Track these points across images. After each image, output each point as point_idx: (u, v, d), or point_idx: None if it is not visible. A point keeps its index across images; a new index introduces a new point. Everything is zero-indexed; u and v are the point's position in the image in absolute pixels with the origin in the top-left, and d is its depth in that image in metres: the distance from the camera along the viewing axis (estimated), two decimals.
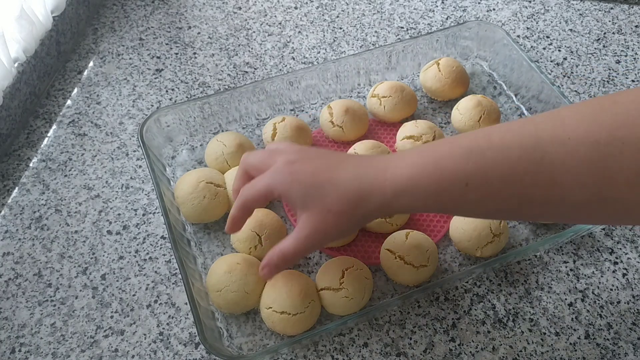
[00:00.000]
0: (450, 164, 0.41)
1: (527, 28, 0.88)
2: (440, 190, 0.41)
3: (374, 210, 0.44)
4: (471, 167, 0.39)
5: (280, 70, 0.82)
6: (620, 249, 0.62)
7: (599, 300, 0.58)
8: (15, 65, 0.72)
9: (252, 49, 0.85)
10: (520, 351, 0.55)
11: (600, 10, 0.90)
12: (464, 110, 0.70)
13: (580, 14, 0.90)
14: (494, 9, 0.91)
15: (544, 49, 0.85)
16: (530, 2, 0.92)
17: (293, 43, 0.86)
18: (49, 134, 0.74)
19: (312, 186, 0.44)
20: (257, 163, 0.49)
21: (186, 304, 0.58)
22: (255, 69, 0.82)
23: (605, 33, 0.86)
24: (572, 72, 0.81)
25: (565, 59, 0.83)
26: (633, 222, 0.49)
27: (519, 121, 0.41)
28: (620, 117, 0.35)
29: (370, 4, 0.92)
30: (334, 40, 0.87)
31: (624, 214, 0.38)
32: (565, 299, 0.58)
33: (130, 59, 0.84)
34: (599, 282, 0.59)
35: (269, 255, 0.49)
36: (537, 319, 0.57)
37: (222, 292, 0.54)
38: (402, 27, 0.88)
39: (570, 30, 0.87)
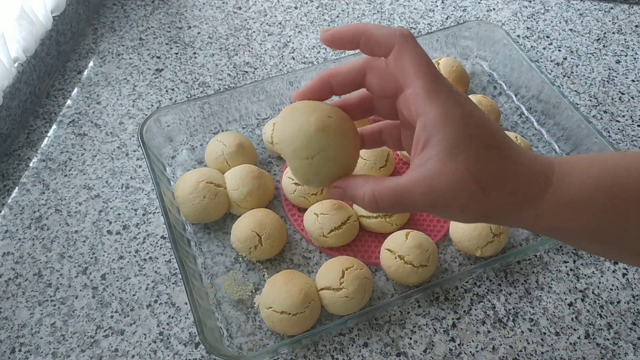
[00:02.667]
0: (629, 181, 0.33)
1: (527, 28, 0.88)
2: (614, 208, 0.33)
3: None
4: None
5: (280, 70, 0.82)
6: None
7: (599, 300, 0.58)
8: (15, 65, 0.72)
9: (252, 48, 0.85)
10: (520, 351, 0.55)
11: (600, 10, 0.90)
12: None
13: (580, 14, 0.90)
14: (494, 9, 0.91)
15: (544, 48, 0.84)
16: (530, 2, 0.92)
17: (293, 43, 0.86)
18: (49, 134, 0.74)
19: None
20: None
21: (186, 304, 0.58)
22: (255, 68, 0.82)
23: (605, 33, 0.86)
24: (572, 72, 0.81)
25: (565, 58, 0.83)
26: None
27: None
28: None
29: (370, 3, 0.92)
30: None
31: None
32: (565, 299, 0.58)
33: (130, 58, 0.84)
34: (599, 282, 0.59)
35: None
36: (537, 318, 0.57)
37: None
38: (402, 27, 0.88)
39: (570, 30, 0.87)
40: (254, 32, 0.88)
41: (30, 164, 0.71)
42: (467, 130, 0.32)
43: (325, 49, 0.85)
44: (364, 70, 0.36)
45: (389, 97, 0.36)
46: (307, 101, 0.37)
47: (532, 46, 0.85)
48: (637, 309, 0.57)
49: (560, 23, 0.88)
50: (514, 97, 0.76)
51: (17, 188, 0.68)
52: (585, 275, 0.60)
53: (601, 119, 0.75)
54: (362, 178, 0.35)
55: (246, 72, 0.82)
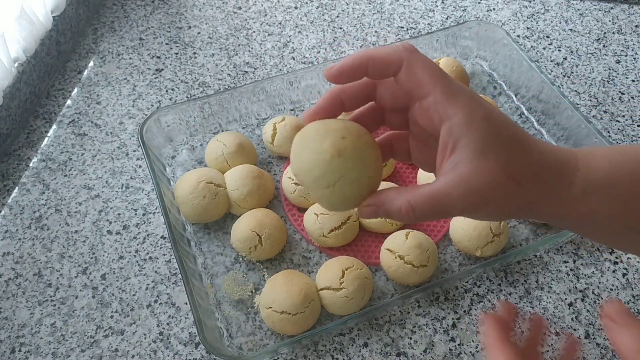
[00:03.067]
0: None
1: (527, 28, 0.88)
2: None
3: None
4: None
5: (280, 70, 0.82)
6: None
7: (599, 300, 0.58)
8: (15, 65, 0.72)
9: (252, 48, 0.85)
10: None
11: (600, 10, 0.90)
12: None
13: (580, 14, 0.90)
14: (494, 9, 0.91)
15: (544, 48, 0.84)
16: (530, 1, 0.92)
17: (293, 43, 0.86)
18: (49, 134, 0.74)
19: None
20: None
21: (186, 303, 0.58)
22: (255, 68, 0.82)
23: (605, 33, 0.86)
24: (572, 72, 0.81)
25: (565, 58, 0.83)
26: None
27: None
28: None
29: (370, 3, 0.92)
30: (334, 40, 0.87)
31: None
32: (565, 299, 0.58)
33: (130, 58, 0.84)
34: (599, 282, 0.59)
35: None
36: None
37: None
38: (402, 27, 0.88)
39: (570, 30, 0.87)
40: (254, 32, 0.88)
41: (30, 164, 0.71)
42: (493, 128, 0.32)
43: (326, 49, 0.85)
44: (374, 83, 0.37)
45: (401, 108, 0.36)
46: (317, 123, 0.36)
47: (532, 46, 0.85)
48: (637, 309, 0.57)
49: (560, 23, 0.88)
50: (514, 97, 0.76)
51: (17, 188, 0.68)
52: (585, 275, 0.60)
53: (601, 119, 0.75)
54: (394, 191, 0.35)
55: (246, 72, 0.82)
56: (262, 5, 0.93)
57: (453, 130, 0.32)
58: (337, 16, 0.91)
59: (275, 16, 0.91)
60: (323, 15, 0.91)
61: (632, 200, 0.34)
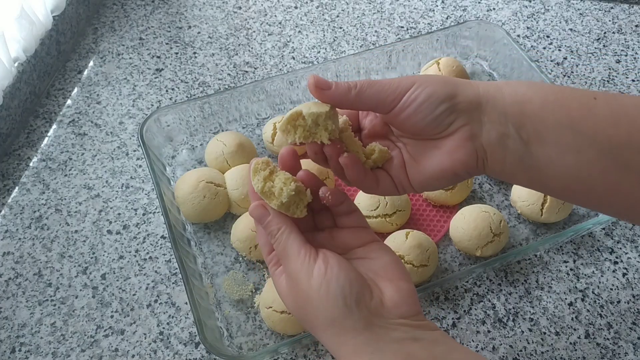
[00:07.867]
0: (570, 89, 0.39)
1: (527, 27, 0.88)
2: (566, 100, 0.37)
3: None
4: (597, 92, 0.38)
5: (280, 69, 0.82)
6: (620, 248, 0.62)
7: (599, 300, 0.58)
8: (16, 64, 0.72)
9: (252, 48, 0.85)
10: (520, 351, 0.55)
11: (600, 10, 0.90)
12: None
13: (580, 14, 0.90)
14: (494, 9, 0.91)
15: (544, 48, 0.84)
16: (530, 1, 0.92)
17: (293, 42, 0.86)
18: (49, 134, 0.74)
19: None
20: None
21: (186, 303, 0.58)
22: (255, 68, 0.82)
23: (605, 32, 0.86)
24: (572, 72, 0.81)
25: (565, 58, 0.83)
26: None
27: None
28: None
29: (370, 3, 0.92)
30: (334, 40, 0.87)
31: None
32: (565, 299, 0.58)
33: (130, 58, 0.84)
34: (599, 282, 0.59)
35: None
36: (537, 318, 0.57)
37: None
38: (402, 27, 0.88)
39: (571, 29, 0.87)
40: (254, 32, 0.88)
41: (30, 164, 0.71)
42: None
43: (326, 49, 0.85)
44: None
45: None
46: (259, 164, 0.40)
47: (532, 46, 0.85)
48: (637, 309, 0.57)
49: (560, 23, 0.88)
50: None
51: (17, 188, 0.68)
52: (585, 275, 0.60)
53: None
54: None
55: (246, 72, 0.82)
56: (262, 5, 0.93)
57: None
58: (337, 16, 0.91)
59: (275, 16, 0.91)
60: (323, 15, 0.91)
61: (556, 103, 0.37)
